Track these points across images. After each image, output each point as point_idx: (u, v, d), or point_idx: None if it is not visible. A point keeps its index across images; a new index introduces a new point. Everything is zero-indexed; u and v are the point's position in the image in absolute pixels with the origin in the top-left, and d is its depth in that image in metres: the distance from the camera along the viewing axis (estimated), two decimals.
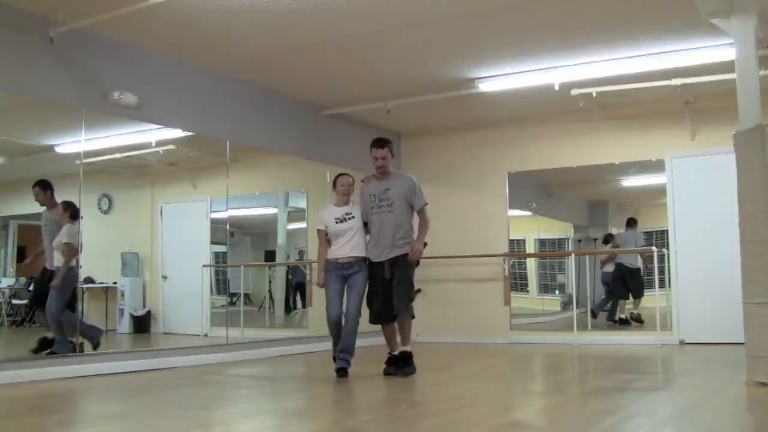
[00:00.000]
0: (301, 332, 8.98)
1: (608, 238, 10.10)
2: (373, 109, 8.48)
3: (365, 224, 5.82)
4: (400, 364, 5.69)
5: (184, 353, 6.89)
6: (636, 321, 9.52)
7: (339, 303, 5.65)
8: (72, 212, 6.50)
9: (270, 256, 9.65)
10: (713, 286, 7.93)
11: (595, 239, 10.57)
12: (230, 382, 5.97)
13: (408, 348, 5.74)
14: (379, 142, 5.78)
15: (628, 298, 9.79)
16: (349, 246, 5.71)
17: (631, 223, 9.79)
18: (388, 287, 5.65)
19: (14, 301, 7.84)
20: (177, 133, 7.44)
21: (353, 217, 5.76)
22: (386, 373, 5.68)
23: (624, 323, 9.62)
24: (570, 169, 9.27)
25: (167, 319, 8.32)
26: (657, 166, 8.69)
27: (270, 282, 9.59)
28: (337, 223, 5.74)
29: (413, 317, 5.72)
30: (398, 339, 5.79)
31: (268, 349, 7.79)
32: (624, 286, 9.81)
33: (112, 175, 8.24)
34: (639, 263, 9.56)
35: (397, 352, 5.77)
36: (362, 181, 5.93)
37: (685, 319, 8.28)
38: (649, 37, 6.58)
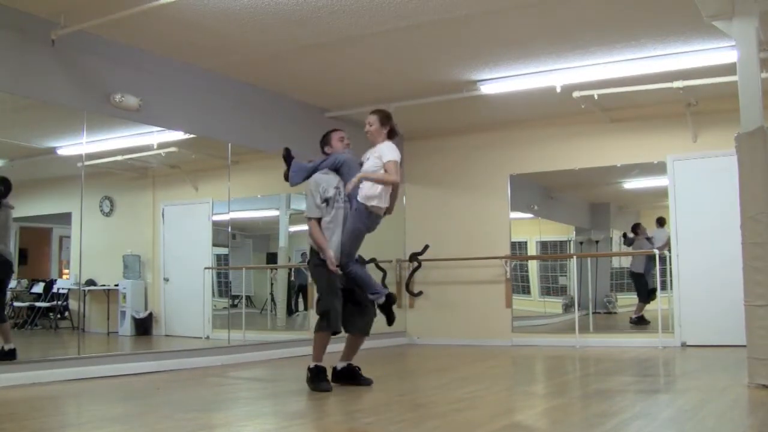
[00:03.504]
0: (302, 335, 8.96)
1: (635, 229, 9.90)
2: None
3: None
4: (353, 376, 5.29)
5: (186, 355, 6.89)
6: (637, 323, 9.51)
7: None
8: None
9: (272, 258, 9.66)
10: (715, 289, 7.92)
11: (597, 241, 10.57)
12: (232, 384, 5.97)
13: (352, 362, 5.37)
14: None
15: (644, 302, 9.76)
16: None
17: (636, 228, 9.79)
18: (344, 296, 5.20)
19: (16, 304, 7.84)
20: (179, 135, 7.45)
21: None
22: (325, 389, 5.05)
23: (634, 323, 9.62)
24: (571, 172, 9.27)
25: (169, 321, 8.32)
26: (659, 168, 8.68)
27: (272, 284, 9.59)
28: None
29: None
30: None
31: (269, 352, 7.79)
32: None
33: (114, 177, 8.26)
34: (641, 268, 9.56)
35: (342, 366, 5.34)
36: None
37: (686, 321, 8.27)
38: (651, 39, 6.58)
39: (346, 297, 5.20)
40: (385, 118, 5.33)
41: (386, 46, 6.75)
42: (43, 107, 6.17)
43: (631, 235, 9.93)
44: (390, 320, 5.23)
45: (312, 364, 5.13)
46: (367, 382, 5.27)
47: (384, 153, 5.18)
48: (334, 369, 5.33)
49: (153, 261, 8.33)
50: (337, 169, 5.30)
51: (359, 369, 5.33)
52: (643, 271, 9.56)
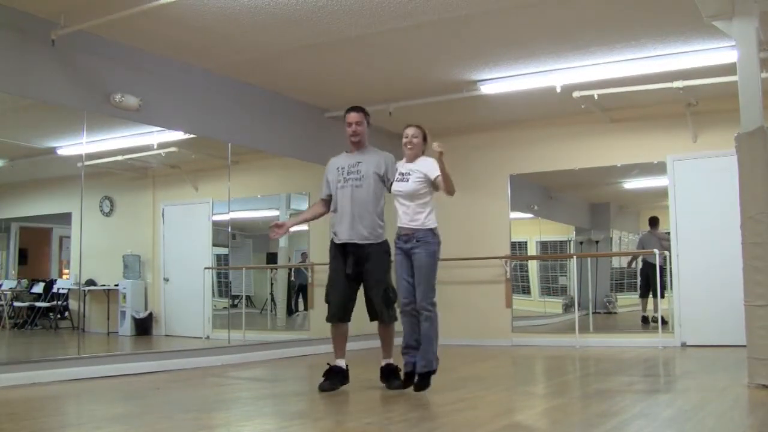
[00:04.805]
0: (302, 335, 8.98)
1: (654, 223, 9.70)
2: (374, 111, 8.45)
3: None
4: (387, 376, 5.15)
5: (186, 355, 6.89)
6: (651, 322, 9.43)
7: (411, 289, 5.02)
8: None
9: (272, 258, 9.66)
10: (715, 288, 7.93)
11: (597, 241, 10.57)
12: (232, 384, 5.96)
13: (392, 360, 5.19)
14: (354, 108, 5.16)
15: (647, 297, 9.68)
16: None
17: (653, 223, 9.70)
18: (351, 285, 5.08)
19: (16, 304, 7.85)
20: (179, 135, 7.45)
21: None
22: (322, 389, 4.99)
23: (645, 322, 9.57)
24: (571, 172, 9.27)
25: (169, 321, 8.32)
26: (659, 168, 8.68)
27: (272, 284, 9.59)
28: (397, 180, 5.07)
29: (396, 320, 5.16)
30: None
31: (269, 352, 7.79)
32: (646, 285, 9.68)
33: (114, 177, 8.26)
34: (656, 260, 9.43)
35: (384, 364, 5.19)
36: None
37: (686, 321, 8.27)
38: (651, 39, 6.58)
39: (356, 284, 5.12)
40: (426, 134, 5.28)
41: (386, 46, 6.75)
42: (43, 107, 6.17)
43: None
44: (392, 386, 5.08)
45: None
46: (391, 385, 5.07)
47: (431, 170, 5.15)
48: (380, 367, 5.23)
49: (153, 261, 8.33)
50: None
51: (396, 370, 5.15)
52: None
